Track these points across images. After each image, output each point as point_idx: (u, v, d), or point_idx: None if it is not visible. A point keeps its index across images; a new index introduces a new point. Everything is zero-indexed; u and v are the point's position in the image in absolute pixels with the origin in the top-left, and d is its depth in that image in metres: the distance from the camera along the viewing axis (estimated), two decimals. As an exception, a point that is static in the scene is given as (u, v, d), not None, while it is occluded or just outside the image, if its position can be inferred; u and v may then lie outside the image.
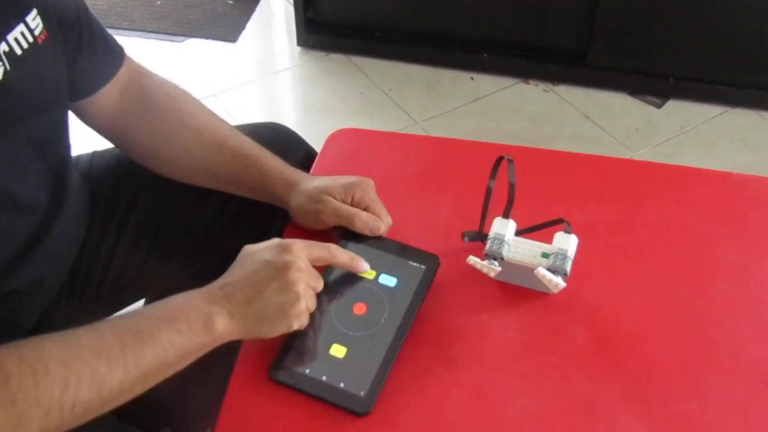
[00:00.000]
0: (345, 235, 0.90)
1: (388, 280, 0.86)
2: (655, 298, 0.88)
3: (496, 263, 0.85)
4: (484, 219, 0.91)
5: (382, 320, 0.82)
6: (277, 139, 1.09)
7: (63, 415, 0.64)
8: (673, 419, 0.77)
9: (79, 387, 0.65)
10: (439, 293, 0.87)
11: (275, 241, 0.80)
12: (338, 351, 0.80)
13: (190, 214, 1.05)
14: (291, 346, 0.81)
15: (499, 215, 0.88)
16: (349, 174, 0.95)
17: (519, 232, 0.89)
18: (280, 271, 0.76)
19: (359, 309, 0.84)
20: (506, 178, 0.85)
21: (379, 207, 0.91)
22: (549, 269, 0.83)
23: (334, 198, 0.90)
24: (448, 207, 0.99)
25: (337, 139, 1.10)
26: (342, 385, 0.78)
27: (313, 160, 1.07)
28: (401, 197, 1.00)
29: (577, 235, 0.86)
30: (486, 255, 0.86)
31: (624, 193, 1.01)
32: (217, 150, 0.96)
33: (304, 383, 0.78)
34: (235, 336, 0.75)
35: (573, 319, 0.85)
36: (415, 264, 0.87)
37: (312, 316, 0.82)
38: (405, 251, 0.89)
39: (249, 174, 0.95)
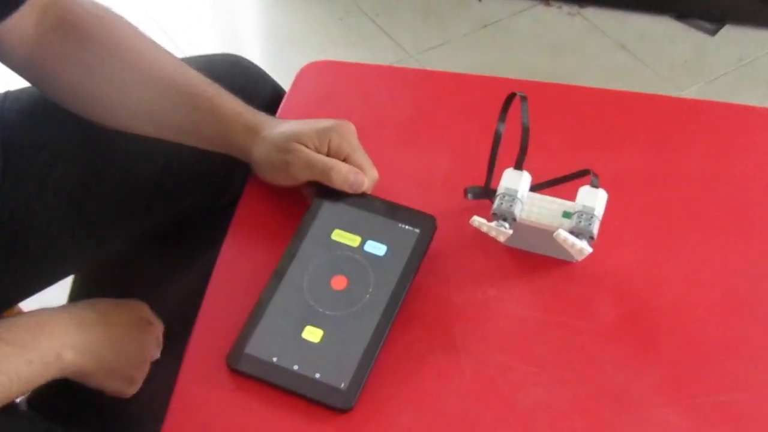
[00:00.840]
0: (320, 192, 0.90)
1: (375, 248, 0.86)
2: (700, 268, 0.89)
3: (507, 225, 0.85)
4: (492, 171, 0.91)
5: (367, 296, 0.83)
6: (236, 74, 1.08)
7: None
8: (719, 412, 0.78)
9: None
10: (437, 262, 0.88)
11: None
12: (313, 334, 0.81)
13: (129, 169, 1.04)
14: (254, 328, 0.81)
15: (510, 166, 0.88)
16: (324, 117, 0.94)
17: (534, 187, 0.89)
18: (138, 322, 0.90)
19: (339, 283, 0.84)
20: (519, 121, 0.85)
21: (362, 157, 0.91)
22: (571, 232, 0.84)
23: (306, 146, 0.90)
24: (448, 157, 0.99)
25: (310, 73, 1.10)
26: (318, 375, 0.78)
27: (281, 100, 1.07)
28: (390, 145, 1.00)
29: (606, 190, 0.86)
30: (494, 215, 0.86)
31: (665, 138, 1.01)
32: (162, 90, 0.95)
33: (271, 374, 0.79)
34: (78, 371, 0.83)
35: (600, 293, 0.86)
36: (407, 227, 0.88)
37: (280, 290, 0.83)
38: (395, 211, 0.89)
39: (201, 118, 0.94)
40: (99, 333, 0.84)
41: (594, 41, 2.23)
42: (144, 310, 0.93)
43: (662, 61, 2.17)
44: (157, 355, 0.92)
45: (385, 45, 2.19)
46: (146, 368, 0.89)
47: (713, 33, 2.24)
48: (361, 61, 1.17)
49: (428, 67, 2.12)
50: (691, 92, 2.08)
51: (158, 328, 0.92)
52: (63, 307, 0.87)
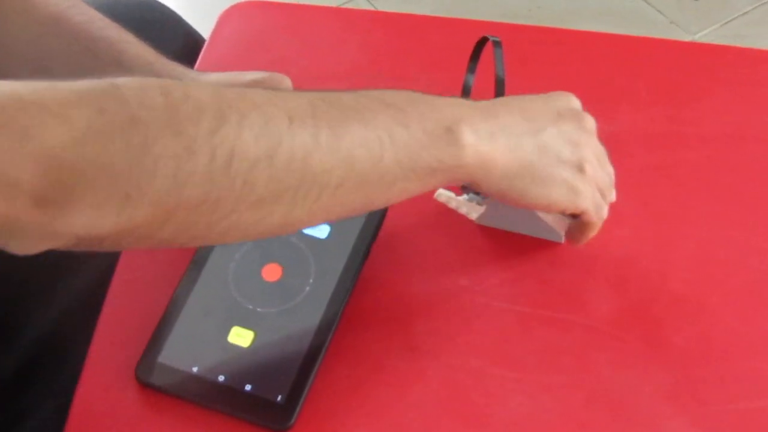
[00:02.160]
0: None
1: (316, 228, 0.86)
2: (715, 248, 0.89)
3: (479, 199, 0.85)
4: (460, 133, 0.91)
5: (307, 288, 0.83)
6: (144, 18, 1.08)
7: (212, 165, 0.61)
8: (737, 423, 0.78)
9: (241, 131, 0.62)
10: (393, 245, 0.88)
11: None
12: (241, 337, 0.81)
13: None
14: (169, 332, 0.81)
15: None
16: (253, 69, 0.94)
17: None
18: (569, 117, 0.79)
19: (271, 273, 0.84)
20: (493, 72, 0.85)
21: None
22: (464, 188, 0.84)
23: (231, 106, 0.89)
24: (407, 117, 0.98)
25: (234, 16, 1.10)
26: (249, 387, 0.78)
27: (200, 50, 1.07)
28: (334, 103, 1.00)
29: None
30: (464, 188, 0.86)
31: (673, 91, 1.02)
32: (53, 29, 0.95)
33: (191, 387, 0.79)
34: (482, 170, 0.74)
35: (594, 281, 0.87)
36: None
37: (199, 284, 0.82)
38: (340, 184, 0.89)
39: (100, 68, 0.94)
40: (506, 120, 0.75)
41: (587, -25, 2.24)
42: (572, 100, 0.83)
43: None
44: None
45: (331, -18, 2.19)
46: (586, 179, 0.79)
47: (731, -36, 2.26)
48: (300, 2, 1.17)
49: (382, 9, 2.12)
50: (703, 36, 2.10)
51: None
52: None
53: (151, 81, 0.61)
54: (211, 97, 0.62)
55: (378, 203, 0.72)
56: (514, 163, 0.75)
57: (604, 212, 0.82)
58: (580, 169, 0.77)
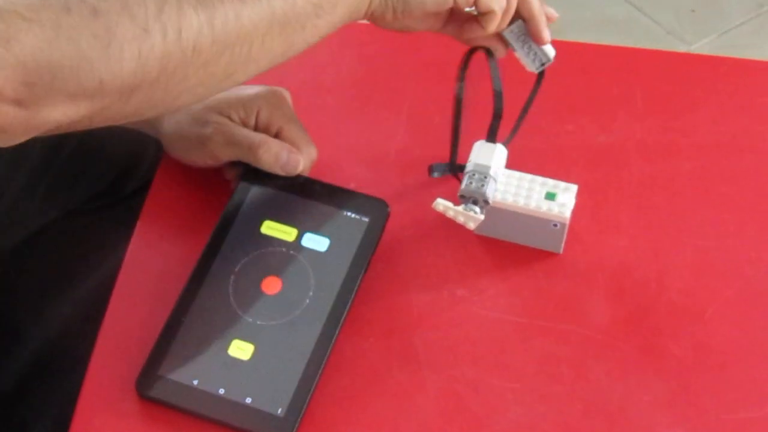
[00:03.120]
0: (247, 175, 0.89)
1: (315, 241, 0.86)
2: (711, 258, 0.89)
3: (477, 209, 0.85)
4: (456, 144, 0.91)
5: (307, 301, 0.83)
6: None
7: (166, 39, 0.67)
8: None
9: (180, 6, 0.68)
10: (392, 257, 0.88)
11: None
12: (241, 350, 0.80)
13: (8, 148, 1.03)
14: (169, 345, 0.81)
15: (481, 138, 0.88)
16: (251, 83, 0.94)
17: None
18: None
19: (271, 285, 0.84)
20: (490, 82, 0.85)
21: (298, 131, 0.90)
22: (462, 197, 0.84)
23: (229, 118, 0.89)
24: (404, 129, 0.99)
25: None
26: (249, 400, 0.78)
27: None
28: (332, 114, 1.00)
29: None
30: (462, 197, 0.86)
31: (669, 101, 1.02)
32: None
33: (191, 400, 0.78)
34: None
35: (593, 291, 0.87)
36: (353, 215, 0.87)
37: (199, 297, 0.82)
38: (337, 197, 0.89)
39: None
40: None
41: (585, -14, 2.24)
42: None
43: (666, 9, 2.19)
44: None
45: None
46: None
47: (727, -26, 2.26)
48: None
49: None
50: (700, 47, 2.10)
51: None
52: None
53: None
54: None
55: (296, 47, 0.78)
56: None
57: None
58: None
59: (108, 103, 0.67)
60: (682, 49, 2.08)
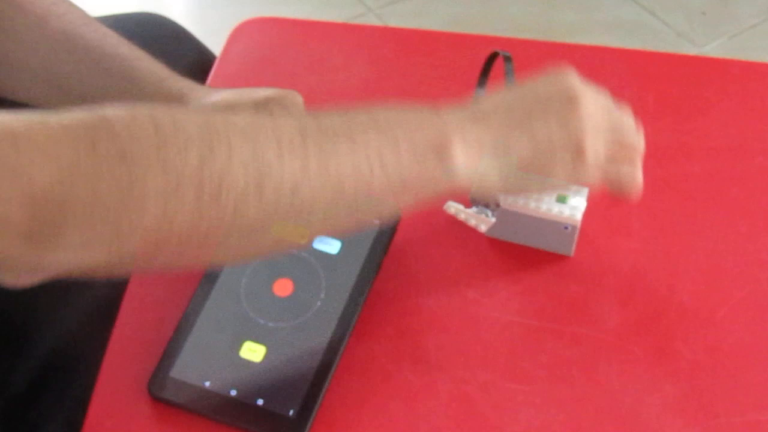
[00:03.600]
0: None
1: (327, 244, 0.86)
2: (723, 261, 0.89)
3: (489, 212, 0.85)
4: (469, 147, 0.91)
5: (318, 303, 0.83)
6: (156, 34, 1.08)
7: (201, 198, 0.60)
8: (748, 434, 0.79)
9: (230, 162, 0.61)
10: (403, 260, 0.88)
11: (550, 71, 0.79)
12: (253, 352, 0.81)
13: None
14: (181, 347, 0.81)
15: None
16: (265, 84, 0.94)
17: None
18: (559, 94, 0.76)
19: (283, 288, 0.84)
20: (502, 86, 0.85)
21: (310, 134, 0.90)
22: (473, 200, 0.85)
23: (242, 121, 0.89)
24: (416, 131, 0.98)
25: (246, 33, 1.10)
26: (260, 401, 0.78)
27: (211, 66, 1.07)
28: (344, 118, 1.00)
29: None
30: (473, 200, 0.86)
31: (680, 104, 1.02)
32: (65, 46, 0.95)
33: (203, 401, 0.78)
34: (475, 178, 0.73)
35: (604, 294, 0.87)
36: (365, 217, 0.87)
37: (211, 298, 0.82)
38: (350, 199, 0.89)
39: (114, 84, 0.94)
40: (498, 120, 0.74)
41: (595, -11, 2.24)
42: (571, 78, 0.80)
43: (677, 12, 2.18)
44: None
45: (341, -2, 2.19)
46: (586, 149, 0.76)
47: (738, -23, 2.26)
48: (310, 17, 1.17)
49: (392, 23, 2.12)
50: (711, 49, 2.10)
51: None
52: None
53: (141, 111, 0.61)
54: (199, 127, 0.62)
55: (366, 220, 0.72)
56: (506, 167, 0.74)
57: (627, 175, 0.80)
58: (578, 151, 0.75)
59: (128, 253, 0.60)
60: (692, 51, 2.08)
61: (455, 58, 1.06)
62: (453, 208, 0.86)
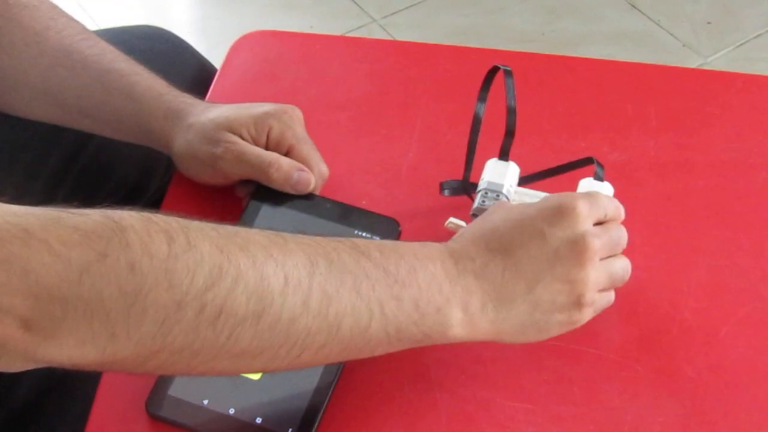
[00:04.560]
0: (258, 193, 0.90)
1: (326, 260, 0.86)
2: (726, 277, 0.89)
3: (489, 229, 0.85)
4: (471, 162, 0.90)
5: (318, 320, 0.82)
6: (155, 48, 1.08)
7: (200, 319, 0.62)
8: (752, 453, 0.78)
9: (235, 289, 0.63)
10: (403, 277, 0.87)
11: (551, 199, 0.78)
12: (252, 369, 0.80)
13: (22, 164, 1.04)
14: (179, 365, 0.80)
15: (494, 156, 0.87)
16: (264, 100, 0.94)
17: (524, 179, 0.89)
18: (564, 258, 0.75)
19: (282, 304, 0.83)
20: (504, 101, 0.85)
21: (309, 150, 0.91)
22: None
23: (240, 136, 0.89)
24: (416, 146, 0.99)
25: (246, 46, 1.10)
26: (259, 420, 0.78)
27: (211, 80, 1.07)
28: (344, 133, 1.00)
29: (613, 183, 0.86)
30: (474, 216, 0.86)
31: (682, 117, 1.01)
32: (63, 60, 0.95)
33: (201, 420, 0.78)
34: (468, 337, 0.75)
35: (606, 311, 0.85)
36: (364, 234, 0.87)
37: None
38: (349, 216, 0.89)
39: (112, 100, 0.94)
40: (504, 287, 0.75)
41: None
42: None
43: (682, 22, 2.18)
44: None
45: (343, 8, 2.19)
46: (585, 310, 0.78)
47: (744, -13, 2.26)
48: (315, 29, 1.17)
49: (395, 34, 2.12)
50: (716, 60, 2.10)
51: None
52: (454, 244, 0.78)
53: (156, 224, 0.62)
54: (212, 249, 0.64)
55: (358, 358, 0.74)
56: (504, 330, 0.76)
57: (610, 298, 0.82)
58: (578, 305, 0.76)
59: (121, 358, 0.62)
60: (697, 61, 2.08)
61: (456, 72, 1.05)
62: (453, 224, 0.85)
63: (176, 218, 0.64)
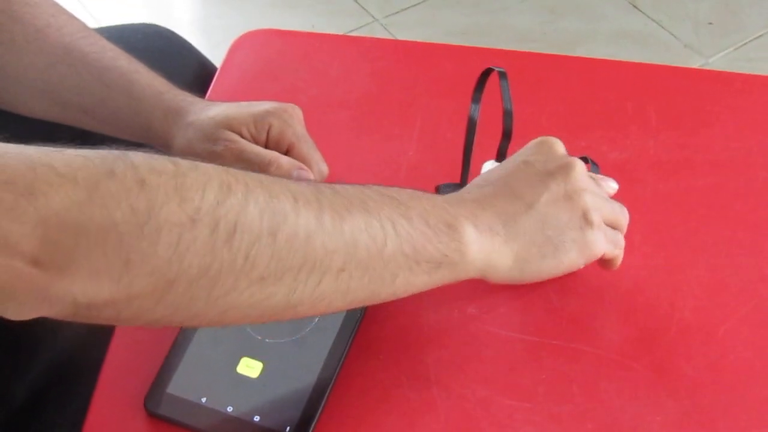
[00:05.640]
0: (258, 191, 0.89)
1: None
2: (725, 276, 0.89)
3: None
4: (468, 164, 0.91)
5: (316, 319, 0.83)
6: (156, 47, 1.08)
7: (215, 237, 0.60)
8: (751, 453, 0.78)
9: (246, 205, 0.62)
10: (402, 275, 0.87)
11: (534, 140, 0.82)
12: (250, 368, 0.80)
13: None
14: (178, 363, 0.81)
15: (491, 158, 0.87)
16: (264, 98, 0.94)
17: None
18: (554, 174, 0.78)
19: (281, 303, 0.83)
20: (501, 101, 0.85)
21: (309, 148, 0.91)
22: None
23: (240, 135, 0.89)
24: (416, 146, 0.99)
25: (246, 45, 1.10)
26: (257, 418, 0.78)
27: (212, 78, 1.07)
28: (344, 132, 1.00)
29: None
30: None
31: (682, 117, 1.01)
32: (63, 58, 0.95)
33: (200, 418, 0.78)
34: (489, 265, 0.76)
35: (605, 310, 0.86)
36: (364, 232, 0.87)
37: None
38: (349, 213, 0.88)
39: (112, 97, 0.94)
40: (502, 207, 0.77)
41: (600, -1, 2.24)
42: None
43: (683, 22, 2.18)
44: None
45: (346, 7, 2.19)
46: (593, 227, 0.79)
47: (745, -13, 2.26)
48: (316, 28, 1.17)
49: (397, 33, 2.12)
50: (718, 60, 2.10)
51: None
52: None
53: (160, 155, 0.61)
54: (218, 169, 0.62)
55: (382, 296, 0.72)
56: (519, 250, 0.77)
57: (621, 241, 0.82)
58: (585, 220, 0.78)
59: (137, 291, 0.59)
60: (699, 61, 2.08)
61: (457, 71, 1.05)
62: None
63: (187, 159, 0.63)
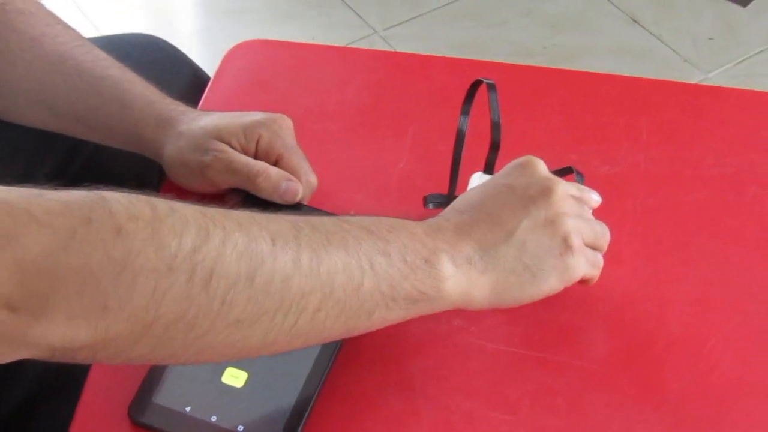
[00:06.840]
0: (247, 202, 0.90)
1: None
2: (713, 291, 0.89)
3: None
4: (456, 176, 0.91)
5: (302, 329, 0.82)
6: (149, 56, 1.08)
7: (192, 283, 0.60)
8: (737, 467, 0.78)
9: (224, 250, 0.62)
10: (389, 286, 0.87)
11: (516, 161, 0.81)
12: (235, 377, 0.80)
13: (15, 170, 1.04)
14: (163, 372, 0.80)
15: (479, 170, 0.87)
16: (255, 109, 0.94)
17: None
18: (535, 199, 0.77)
19: (267, 313, 0.83)
20: (488, 114, 0.85)
21: (298, 159, 0.91)
22: None
23: (230, 145, 0.90)
24: (407, 157, 0.99)
25: (239, 55, 1.10)
26: (241, 428, 0.78)
27: (205, 88, 1.07)
28: (336, 143, 1.00)
29: (602, 195, 0.86)
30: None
31: (674, 131, 1.01)
32: (57, 67, 0.96)
33: (184, 427, 0.78)
34: (467, 298, 0.75)
35: (591, 322, 0.86)
36: (351, 243, 0.87)
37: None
38: (337, 224, 0.88)
39: (104, 106, 0.95)
40: (481, 235, 0.75)
41: (602, 12, 2.24)
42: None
43: (683, 37, 2.18)
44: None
45: (345, 20, 2.19)
46: (574, 253, 0.78)
47: (745, 4, 2.26)
48: (317, 40, 1.18)
49: (397, 46, 2.12)
50: (717, 76, 2.09)
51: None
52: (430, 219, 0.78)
53: (139, 196, 0.61)
54: (195, 213, 0.62)
55: (357, 331, 0.72)
56: (498, 280, 0.76)
57: (600, 261, 0.82)
58: (566, 245, 0.77)
59: (114, 335, 0.59)
60: (698, 77, 2.08)
61: (450, 83, 1.05)
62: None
63: (169, 202, 0.63)
